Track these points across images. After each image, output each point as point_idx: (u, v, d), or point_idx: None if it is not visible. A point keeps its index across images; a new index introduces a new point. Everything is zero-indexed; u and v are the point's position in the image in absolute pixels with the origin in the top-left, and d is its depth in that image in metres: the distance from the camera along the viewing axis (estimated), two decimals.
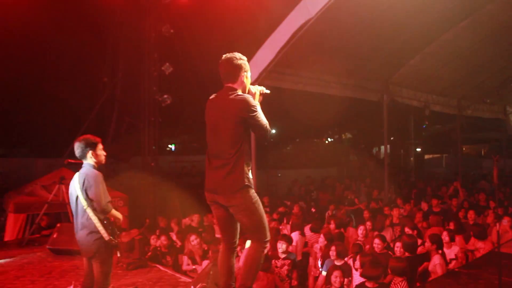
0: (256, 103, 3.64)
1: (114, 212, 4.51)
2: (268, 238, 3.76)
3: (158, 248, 8.03)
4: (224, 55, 3.73)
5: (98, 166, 4.66)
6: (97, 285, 4.46)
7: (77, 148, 4.58)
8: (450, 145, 25.39)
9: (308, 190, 16.52)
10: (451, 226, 8.09)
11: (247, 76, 3.76)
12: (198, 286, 4.51)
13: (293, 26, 9.81)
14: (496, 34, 12.54)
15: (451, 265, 6.88)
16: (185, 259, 7.69)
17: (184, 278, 6.52)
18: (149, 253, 7.84)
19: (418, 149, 26.86)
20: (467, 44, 12.89)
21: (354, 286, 6.03)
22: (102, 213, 4.35)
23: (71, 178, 4.97)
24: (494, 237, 7.60)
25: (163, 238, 8.07)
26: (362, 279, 6.16)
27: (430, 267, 6.75)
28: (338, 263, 6.51)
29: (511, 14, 11.60)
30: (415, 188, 14.64)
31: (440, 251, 6.82)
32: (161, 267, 7.17)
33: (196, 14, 11.88)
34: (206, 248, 7.83)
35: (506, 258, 6.04)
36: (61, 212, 10.13)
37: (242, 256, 4.03)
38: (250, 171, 3.65)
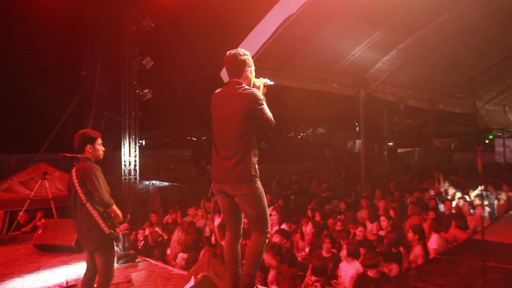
0: (262, 97, 3.78)
1: (115, 208, 4.53)
2: (269, 229, 3.91)
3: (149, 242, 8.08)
4: (228, 52, 3.85)
5: (96, 161, 4.64)
6: (101, 276, 4.48)
7: (76, 141, 4.58)
8: (422, 139, 26.08)
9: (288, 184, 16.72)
10: (430, 216, 8.39)
11: (251, 71, 3.90)
12: (199, 275, 4.57)
13: (275, 22, 9.93)
14: (468, 31, 12.99)
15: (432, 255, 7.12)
16: (171, 252, 7.74)
17: (176, 270, 6.57)
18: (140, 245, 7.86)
19: (391, 143, 27.45)
20: (441, 41, 13.29)
21: (353, 276, 6.18)
22: (104, 206, 4.37)
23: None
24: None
25: (154, 231, 8.11)
26: (350, 267, 6.37)
27: (412, 257, 6.99)
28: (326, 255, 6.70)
29: (482, 13, 12.06)
30: (391, 181, 14.97)
31: (421, 242, 7.05)
32: (151, 261, 7.19)
33: (177, 8, 11.81)
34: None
35: (486, 245, 6.36)
36: (41, 208, 9.96)
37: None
38: (256, 162, 3.76)
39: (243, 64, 3.82)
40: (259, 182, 3.76)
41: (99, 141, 4.69)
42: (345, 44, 12.19)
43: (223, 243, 6.07)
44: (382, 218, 8.43)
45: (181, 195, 13.41)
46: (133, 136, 12.63)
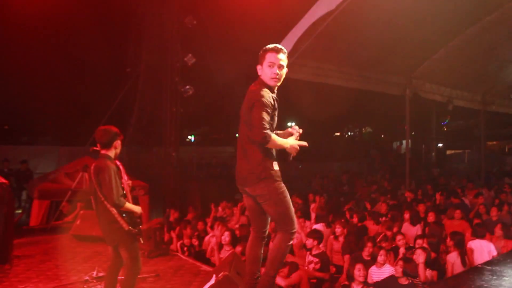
0: (265, 96, 3.49)
1: (128, 205, 4.49)
2: (295, 229, 3.77)
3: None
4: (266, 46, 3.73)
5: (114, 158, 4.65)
6: (128, 270, 4.54)
7: (106, 135, 4.57)
8: (473, 141, 25.00)
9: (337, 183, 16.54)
10: (474, 221, 8.01)
11: (261, 67, 3.69)
12: (220, 274, 4.55)
13: (313, 18, 9.79)
14: None
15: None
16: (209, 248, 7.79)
17: (204, 267, 6.61)
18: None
19: (440, 145, 26.51)
20: (493, 39, 12.64)
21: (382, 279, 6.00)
22: (115, 207, 4.38)
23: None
24: None
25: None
26: (381, 272, 6.17)
27: (448, 264, 6.69)
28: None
29: None
30: (437, 184, 14.48)
31: (459, 248, 6.73)
32: (182, 256, 7.28)
33: (219, 5, 11.88)
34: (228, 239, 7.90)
35: None
36: (82, 200, 10.31)
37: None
38: (275, 163, 3.65)
39: (258, 60, 3.71)
40: (279, 182, 3.63)
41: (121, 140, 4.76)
42: (390, 42, 11.83)
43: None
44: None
45: (219, 191, 13.49)
46: (174, 132, 12.82)
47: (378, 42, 11.54)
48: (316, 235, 7.10)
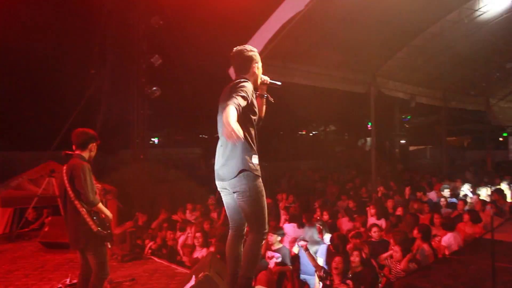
0: (245, 86, 3.47)
1: (102, 207, 4.46)
2: (267, 230, 3.80)
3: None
4: (235, 48, 3.76)
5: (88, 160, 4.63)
6: (95, 276, 4.44)
7: (82, 135, 4.64)
8: (434, 137, 25.76)
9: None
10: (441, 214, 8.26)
11: (258, 67, 3.79)
12: (200, 275, 4.52)
13: (282, 19, 9.87)
14: (480, 27, 12.77)
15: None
16: (180, 251, 7.71)
17: (180, 269, 6.55)
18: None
19: (403, 141, 27.18)
20: (452, 37, 13.09)
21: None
22: (88, 204, 4.32)
23: (60, 171, 4.93)
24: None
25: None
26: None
27: (419, 256, 6.87)
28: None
29: (495, 10, 11.86)
30: (403, 179, 14.86)
31: (427, 241, 6.93)
32: (156, 259, 7.19)
33: (185, 6, 11.78)
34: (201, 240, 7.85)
35: (497, 245, 6.21)
36: (48, 206, 10.04)
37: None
38: (255, 157, 3.63)
39: (250, 60, 3.73)
40: (260, 180, 3.65)
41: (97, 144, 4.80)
42: (355, 41, 12.05)
43: None
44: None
45: (190, 192, 13.38)
46: (142, 134, 12.63)
47: (343, 41, 11.74)
48: (278, 231, 7.11)
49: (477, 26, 12.63)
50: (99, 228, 4.33)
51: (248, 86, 3.53)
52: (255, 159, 3.63)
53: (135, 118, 12.51)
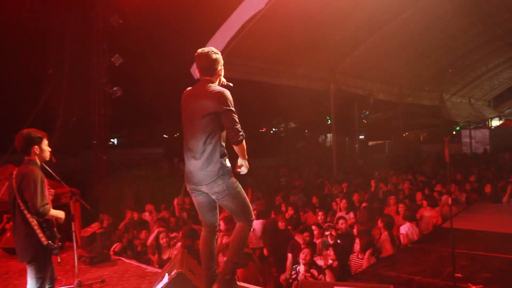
0: (231, 99, 3.71)
1: (53, 212, 4.14)
2: (253, 217, 4.01)
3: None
4: (200, 49, 3.84)
5: (41, 163, 4.30)
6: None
7: (21, 140, 4.18)
8: (392, 132, 26.59)
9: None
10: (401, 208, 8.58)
11: (222, 69, 3.91)
12: (173, 272, 4.55)
13: (243, 18, 9.95)
14: (433, 25, 13.30)
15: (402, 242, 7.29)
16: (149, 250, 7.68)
17: (150, 269, 6.53)
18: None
19: (362, 136, 27.88)
20: (407, 35, 13.59)
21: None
22: (38, 216, 4.01)
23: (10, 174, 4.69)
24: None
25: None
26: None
27: (378, 245, 7.14)
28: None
29: (446, 8, 12.37)
30: (363, 173, 15.26)
31: (388, 231, 7.21)
32: (125, 259, 7.12)
33: (145, 4, 11.65)
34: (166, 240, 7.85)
35: (455, 233, 6.56)
36: (9, 211, 9.71)
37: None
38: (227, 159, 3.78)
39: (216, 62, 3.82)
40: (233, 176, 3.78)
41: (46, 141, 4.32)
42: (314, 39, 12.30)
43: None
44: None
45: (153, 192, 13.30)
46: (103, 135, 12.45)
47: (303, 39, 11.96)
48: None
49: (431, 24, 13.12)
50: (49, 242, 4.05)
51: (231, 98, 3.71)
52: (228, 162, 3.79)
53: (96, 118, 12.29)
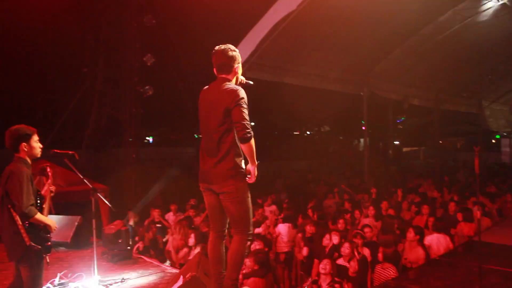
0: (245, 97, 3.62)
1: (40, 217, 4.04)
2: (252, 231, 3.85)
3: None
4: (217, 46, 3.76)
5: (32, 160, 4.27)
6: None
7: (8, 138, 4.11)
8: (428, 138, 25.87)
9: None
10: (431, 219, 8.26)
11: (240, 67, 3.83)
12: (188, 275, 4.52)
13: (274, 19, 9.88)
14: (472, 29, 12.83)
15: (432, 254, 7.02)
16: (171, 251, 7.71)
17: (170, 269, 6.53)
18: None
19: (396, 142, 27.30)
20: (445, 39, 13.15)
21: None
22: (22, 217, 3.90)
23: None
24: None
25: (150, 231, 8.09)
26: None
27: (412, 258, 6.89)
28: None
29: (488, 11, 11.91)
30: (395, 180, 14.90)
31: (421, 242, 6.97)
32: (146, 258, 7.15)
33: (179, 5, 11.77)
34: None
35: (486, 247, 6.25)
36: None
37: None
38: (242, 161, 3.69)
39: (233, 60, 3.74)
40: (246, 182, 3.69)
41: (35, 137, 4.25)
42: (348, 42, 12.09)
43: None
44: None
45: (182, 192, 13.36)
46: (134, 133, 12.62)
47: (336, 42, 11.77)
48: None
49: (470, 27, 12.67)
50: (31, 243, 3.94)
51: (245, 97, 3.61)
52: (243, 164, 3.70)
53: (128, 117, 12.49)
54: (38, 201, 4.23)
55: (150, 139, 30.97)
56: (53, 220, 4.23)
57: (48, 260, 4.21)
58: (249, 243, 3.90)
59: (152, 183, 13.94)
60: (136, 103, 12.49)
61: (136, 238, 8.70)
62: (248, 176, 3.73)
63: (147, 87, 12.22)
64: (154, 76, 13.13)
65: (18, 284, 4.16)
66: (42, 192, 4.45)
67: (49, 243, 4.16)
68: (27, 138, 4.14)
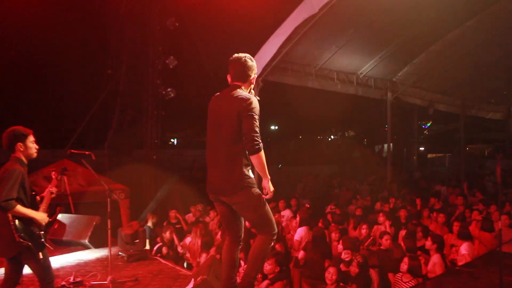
0: (258, 107, 3.55)
1: (22, 210, 4.03)
2: (276, 230, 3.77)
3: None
4: (235, 54, 3.72)
5: (28, 161, 4.35)
6: (40, 282, 4.22)
7: (5, 139, 4.23)
8: (454, 145, 25.32)
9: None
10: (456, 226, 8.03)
11: (255, 79, 3.79)
12: (199, 278, 4.50)
13: (296, 22, 9.78)
14: (502, 34, 12.48)
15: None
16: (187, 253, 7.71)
17: (184, 271, 6.54)
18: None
19: (421, 148, 26.83)
20: (473, 44, 12.82)
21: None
22: (0, 210, 3.94)
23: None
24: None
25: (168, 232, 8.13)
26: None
27: (429, 267, 6.73)
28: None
29: None
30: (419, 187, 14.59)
31: (440, 251, 6.78)
32: (161, 260, 7.20)
33: (202, 8, 11.84)
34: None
35: (507, 258, 6.04)
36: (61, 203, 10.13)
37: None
38: (250, 170, 3.63)
39: (250, 69, 3.71)
40: (255, 187, 3.61)
41: (31, 138, 4.34)
42: (372, 46, 11.91)
43: None
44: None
45: (201, 194, 13.40)
46: (154, 135, 12.74)
47: (359, 46, 11.62)
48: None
49: (499, 32, 12.34)
50: (20, 239, 3.98)
51: (258, 106, 3.55)
52: (251, 172, 3.64)
53: (149, 118, 12.61)
54: (29, 200, 4.23)
55: (175, 141, 31.26)
56: (41, 215, 4.26)
57: (41, 256, 4.19)
58: (273, 243, 3.80)
59: (171, 184, 14.04)
60: (158, 105, 12.60)
61: (157, 239, 8.75)
62: (265, 194, 3.62)
63: (169, 90, 12.31)
64: (178, 78, 13.23)
65: (11, 280, 4.23)
66: (43, 194, 4.52)
67: (42, 239, 4.19)
68: (23, 138, 4.26)
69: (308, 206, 10.96)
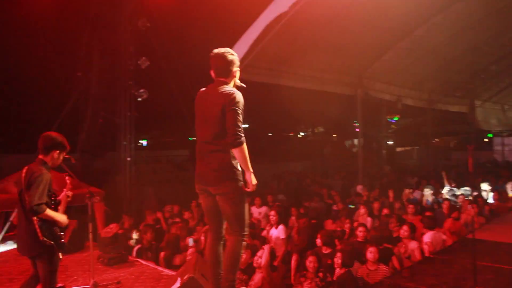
0: (242, 102, 3.66)
1: (50, 213, 4.18)
2: (247, 232, 3.88)
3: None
4: (216, 50, 3.81)
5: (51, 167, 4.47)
6: (43, 285, 4.30)
7: (47, 140, 4.42)
8: (421, 138, 26.00)
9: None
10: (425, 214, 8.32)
11: (238, 71, 3.87)
12: (185, 277, 4.55)
13: (267, 20, 9.89)
14: (465, 30, 12.93)
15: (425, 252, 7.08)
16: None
17: (166, 271, 6.54)
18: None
19: (390, 142, 27.40)
20: (438, 40, 13.24)
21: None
22: (31, 212, 4.08)
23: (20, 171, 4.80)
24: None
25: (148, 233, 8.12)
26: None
27: (409, 253, 6.96)
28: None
29: (480, 12, 12.01)
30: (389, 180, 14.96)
31: (414, 238, 7.03)
32: (142, 261, 7.17)
33: (173, 8, 11.77)
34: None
35: (479, 244, 6.32)
36: None
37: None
38: (238, 163, 3.71)
39: (232, 64, 3.80)
40: (242, 183, 3.72)
41: (64, 153, 4.57)
42: (341, 43, 12.13)
43: None
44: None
45: (176, 194, 13.37)
46: (129, 136, 12.61)
47: (329, 43, 11.81)
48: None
49: (463, 28, 12.77)
50: (44, 238, 4.14)
51: (242, 101, 3.64)
52: (239, 165, 3.72)
53: (122, 120, 12.47)
54: (53, 204, 4.40)
55: (144, 142, 30.92)
56: (63, 217, 4.41)
57: (61, 257, 4.40)
58: (244, 243, 3.87)
59: (146, 185, 13.95)
60: (131, 107, 12.48)
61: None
62: (247, 189, 3.73)
63: (142, 91, 12.21)
64: (149, 79, 13.10)
65: (35, 278, 4.42)
66: (59, 197, 4.61)
67: (63, 240, 4.34)
68: (62, 149, 4.48)
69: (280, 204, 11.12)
